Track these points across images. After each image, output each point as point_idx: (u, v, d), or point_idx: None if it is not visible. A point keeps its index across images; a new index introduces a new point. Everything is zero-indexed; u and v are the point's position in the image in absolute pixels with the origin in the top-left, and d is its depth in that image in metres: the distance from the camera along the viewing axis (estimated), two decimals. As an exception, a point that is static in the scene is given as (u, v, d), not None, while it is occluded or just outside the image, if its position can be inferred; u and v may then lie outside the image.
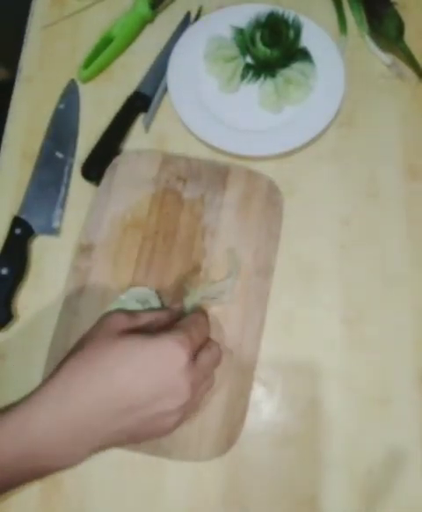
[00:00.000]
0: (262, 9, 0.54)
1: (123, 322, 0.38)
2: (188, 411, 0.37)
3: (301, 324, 0.49)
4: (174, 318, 0.43)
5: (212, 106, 0.53)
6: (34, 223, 0.50)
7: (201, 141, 0.53)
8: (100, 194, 0.51)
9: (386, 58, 0.56)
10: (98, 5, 0.59)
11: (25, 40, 0.58)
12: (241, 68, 0.54)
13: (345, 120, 0.54)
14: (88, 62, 0.55)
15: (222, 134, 0.52)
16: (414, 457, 0.46)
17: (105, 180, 0.51)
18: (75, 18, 0.58)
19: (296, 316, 0.49)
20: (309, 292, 0.50)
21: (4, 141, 0.54)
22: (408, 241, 0.51)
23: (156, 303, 0.46)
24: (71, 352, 0.37)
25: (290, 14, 0.53)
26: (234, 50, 0.54)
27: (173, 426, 0.36)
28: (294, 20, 0.53)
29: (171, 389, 0.35)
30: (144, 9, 0.56)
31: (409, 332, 0.48)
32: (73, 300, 0.48)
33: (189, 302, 0.46)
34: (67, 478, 0.45)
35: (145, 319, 0.40)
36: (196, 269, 0.48)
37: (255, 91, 0.54)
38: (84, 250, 0.49)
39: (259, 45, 0.52)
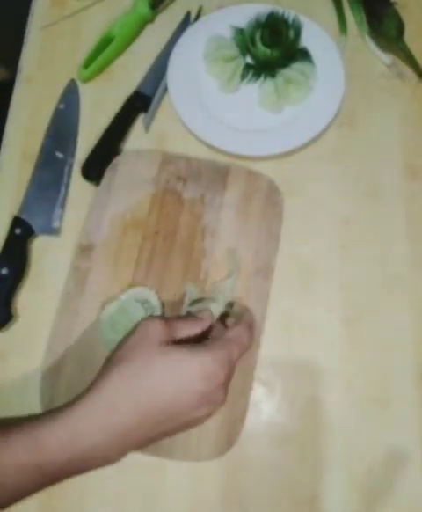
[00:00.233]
0: (262, 9, 0.54)
1: (162, 333, 0.38)
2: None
3: (301, 324, 0.49)
4: (206, 328, 0.43)
5: (212, 106, 0.53)
6: (34, 223, 0.50)
7: (201, 141, 0.53)
8: (100, 194, 0.51)
9: (386, 58, 0.56)
10: (98, 5, 0.59)
11: (25, 40, 0.58)
12: (241, 68, 0.54)
13: (345, 120, 0.54)
14: (88, 62, 0.55)
15: (222, 134, 0.52)
16: (414, 457, 0.46)
17: (105, 180, 0.51)
18: (75, 18, 0.58)
19: (296, 316, 0.49)
20: (309, 292, 0.50)
21: (4, 141, 0.54)
22: (408, 241, 0.51)
23: (156, 302, 0.46)
24: (113, 363, 0.37)
25: (290, 14, 0.53)
26: (234, 50, 0.54)
27: (204, 421, 0.39)
28: (294, 20, 0.53)
29: (211, 399, 0.37)
30: (144, 9, 0.56)
31: (409, 332, 0.48)
32: (73, 300, 0.48)
33: (189, 302, 0.46)
34: (67, 478, 0.45)
35: (183, 333, 0.40)
36: (196, 269, 0.48)
37: (255, 91, 0.54)
38: (84, 250, 0.49)
39: (259, 45, 0.52)
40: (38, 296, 0.49)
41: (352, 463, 0.45)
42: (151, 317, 0.40)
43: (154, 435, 0.37)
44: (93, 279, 0.48)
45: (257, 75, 0.54)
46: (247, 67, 0.54)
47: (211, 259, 0.49)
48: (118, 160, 0.51)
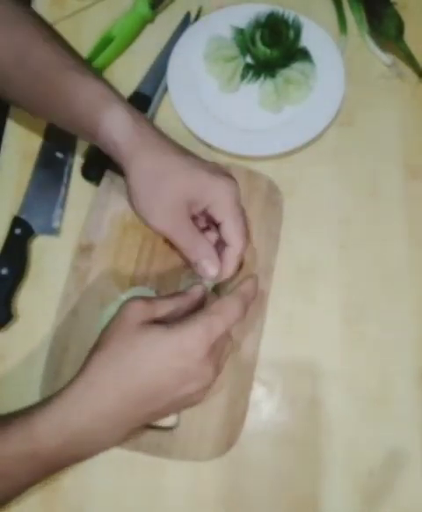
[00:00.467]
0: (262, 9, 0.54)
1: (142, 313, 0.38)
2: (213, 382, 0.39)
3: (301, 324, 0.49)
4: (195, 303, 0.42)
5: (212, 106, 0.53)
6: (34, 223, 0.50)
7: (201, 141, 0.53)
8: (100, 194, 0.51)
9: (386, 58, 0.56)
10: (98, 5, 0.59)
11: (25, 40, 0.58)
12: (241, 68, 0.54)
13: (345, 120, 0.54)
14: (88, 62, 0.55)
15: (222, 134, 0.52)
16: (414, 457, 0.46)
17: (105, 180, 0.51)
18: (75, 18, 0.58)
19: (296, 316, 0.49)
20: (309, 292, 0.50)
21: (4, 141, 0.54)
22: (408, 241, 0.51)
23: (156, 303, 0.46)
24: (96, 346, 0.38)
25: (290, 14, 0.53)
26: (234, 50, 0.54)
27: (201, 399, 0.39)
28: (294, 20, 0.53)
29: (195, 375, 0.36)
30: (144, 9, 0.56)
31: (409, 331, 0.48)
32: (73, 300, 0.48)
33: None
34: (67, 478, 0.45)
35: (164, 310, 0.39)
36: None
37: (255, 91, 0.54)
38: (84, 250, 0.49)
39: (259, 45, 0.52)
40: (38, 296, 0.49)
41: (352, 463, 0.45)
42: (133, 297, 0.39)
43: (143, 416, 0.37)
44: (93, 279, 0.48)
45: (257, 75, 0.54)
46: (247, 67, 0.54)
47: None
48: (118, 160, 0.51)
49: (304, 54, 0.54)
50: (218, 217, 0.43)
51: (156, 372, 0.36)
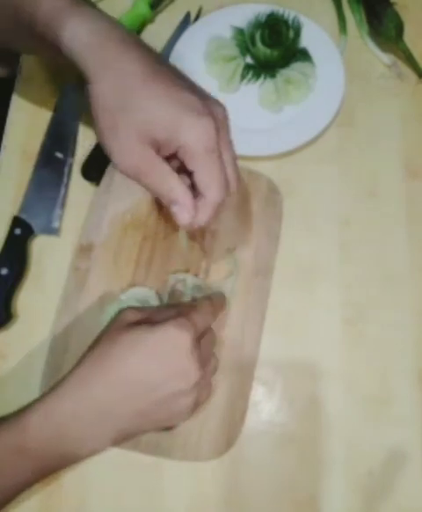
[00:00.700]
0: (262, 9, 0.54)
1: (133, 315, 0.40)
2: (202, 393, 0.39)
3: (301, 324, 0.49)
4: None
5: (212, 106, 0.53)
6: (34, 223, 0.50)
7: (201, 141, 0.53)
8: (100, 194, 0.51)
9: (386, 58, 0.56)
10: (98, 5, 0.58)
11: (25, 40, 0.58)
12: (241, 68, 0.54)
13: (345, 120, 0.54)
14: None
15: (222, 134, 0.52)
16: (414, 457, 0.45)
17: (105, 180, 0.51)
18: (75, 18, 0.58)
19: (296, 316, 0.49)
20: (309, 292, 0.50)
21: (4, 141, 0.54)
22: (408, 241, 0.51)
23: (155, 303, 0.46)
24: (89, 347, 0.39)
25: (290, 14, 0.53)
26: (234, 50, 0.54)
27: (189, 408, 0.38)
28: (294, 20, 0.53)
29: (181, 369, 0.37)
30: (144, 9, 0.56)
31: (409, 332, 0.48)
32: (73, 300, 0.48)
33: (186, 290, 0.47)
34: (67, 478, 0.45)
35: (154, 314, 0.41)
36: (196, 269, 0.48)
37: (255, 91, 0.54)
38: (84, 250, 0.49)
39: (259, 45, 0.52)
40: (38, 296, 0.49)
41: (352, 463, 0.45)
42: (129, 307, 0.41)
43: (130, 414, 0.37)
44: (93, 279, 0.48)
45: (257, 75, 0.54)
46: (247, 67, 0.54)
47: (211, 259, 0.49)
48: (118, 160, 0.51)
49: (304, 55, 0.54)
50: (188, 166, 0.37)
51: (139, 366, 0.36)
